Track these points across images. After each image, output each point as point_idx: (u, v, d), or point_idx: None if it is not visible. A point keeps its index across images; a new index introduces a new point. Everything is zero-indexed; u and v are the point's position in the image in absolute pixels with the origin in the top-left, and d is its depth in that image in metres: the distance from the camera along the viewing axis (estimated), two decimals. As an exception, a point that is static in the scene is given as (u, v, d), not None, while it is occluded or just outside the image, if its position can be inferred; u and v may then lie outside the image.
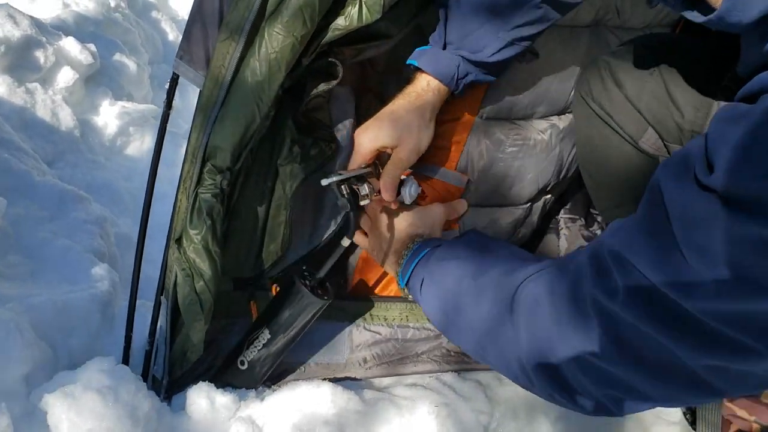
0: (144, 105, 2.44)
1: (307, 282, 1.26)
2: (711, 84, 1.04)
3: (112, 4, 2.83)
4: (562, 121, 1.52)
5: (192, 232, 1.21)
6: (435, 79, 1.25)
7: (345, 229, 1.25)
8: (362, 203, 1.25)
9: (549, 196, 1.64)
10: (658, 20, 1.63)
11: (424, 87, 1.27)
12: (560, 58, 1.44)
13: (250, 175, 1.32)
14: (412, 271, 1.20)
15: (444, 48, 1.26)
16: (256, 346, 1.28)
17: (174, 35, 3.20)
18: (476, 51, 1.24)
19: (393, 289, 1.57)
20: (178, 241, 1.24)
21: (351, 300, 1.49)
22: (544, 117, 1.50)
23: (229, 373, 1.32)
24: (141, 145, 2.31)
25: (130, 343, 1.33)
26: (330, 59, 1.27)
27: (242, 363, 1.30)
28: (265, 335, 1.27)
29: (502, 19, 1.22)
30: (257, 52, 1.17)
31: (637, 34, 1.59)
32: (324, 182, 1.20)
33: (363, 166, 1.28)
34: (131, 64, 2.55)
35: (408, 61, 1.30)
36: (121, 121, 2.29)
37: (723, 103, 1.02)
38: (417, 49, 1.30)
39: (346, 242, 1.24)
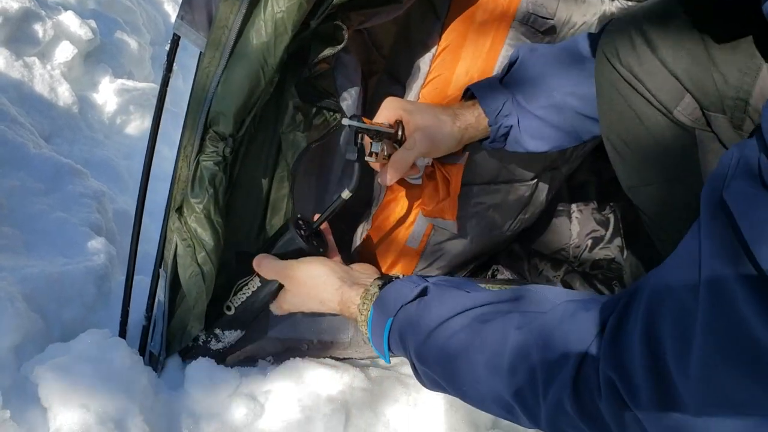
0: (145, 84, 2.39)
1: (302, 232, 1.21)
2: (758, 43, 0.91)
3: (114, -17, 2.78)
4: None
5: (194, 201, 1.17)
6: (480, 108, 1.25)
7: (348, 182, 1.18)
8: (367, 158, 1.20)
9: (556, 172, 1.59)
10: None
11: (470, 105, 1.27)
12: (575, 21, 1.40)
13: (253, 145, 1.27)
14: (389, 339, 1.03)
15: (501, 83, 1.27)
16: (245, 293, 1.23)
17: (176, 17, 3.14)
18: (527, 98, 1.24)
19: (397, 270, 1.53)
20: (179, 210, 1.19)
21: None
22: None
23: (214, 317, 1.26)
24: (141, 124, 2.26)
25: (127, 317, 1.27)
26: (336, 23, 1.22)
27: (228, 308, 1.24)
28: (255, 283, 1.22)
29: (561, 78, 1.22)
30: (263, 11, 1.12)
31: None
32: (345, 122, 1.15)
33: (386, 125, 1.22)
34: (132, 43, 2.50)
35: (467, 87, 1.31)
36: (121, 98, 2.24)
37: None
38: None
39: (346, 194, 1.18)
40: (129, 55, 2.45)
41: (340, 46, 1.25)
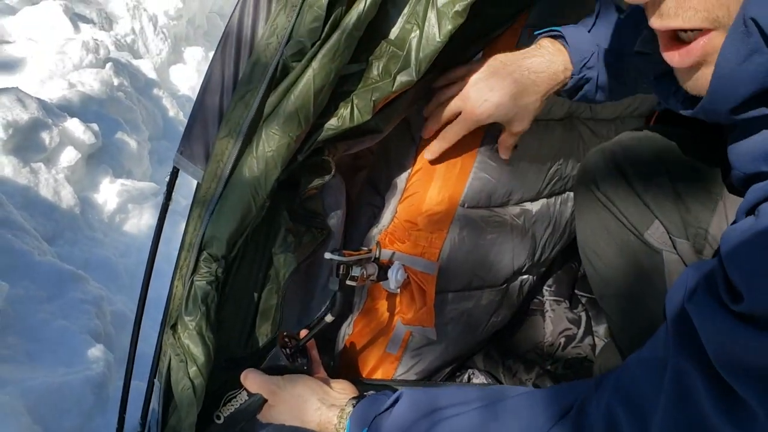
0: (143, 183, 2.52)
1: (287, 350, 1.30)
2: (716, 179, 1.07)
3: (116, 83, 2.92)
4: (534, 206, 1.62)
5: (187, 318, 1.26)
6: (565, 60, 1.23)
7: (330, 307, 1.30)
8: (348, 283, 1.31)
9: (526, 276, 1.70)
10: (629, 112, 1.73)
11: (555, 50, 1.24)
12: (536, 148, 1.53)
13: (244, 262, 1.37)
14: None
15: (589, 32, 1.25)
16: (233, 404, 1.30)
17: (174, 111, 3.28)
18: (619, 45, 1.20)
19: (378, 374, 1.60)
20: (174, 327, 1.28)
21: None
22: (518, 203, 1.59)
23: (204, 423, 1.33)
24: (138, 221, 2.37)
25: (123, 426, 1.35)
26: (323, 157, 1.34)
27: (218, 417, 1.31)
28: (243, 396, 1.30)
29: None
30: (255, 150, 1.24)
31: (609, 126, 1.70)
32: (327, 255, 1.27)
33: (365, 251, 1.35)
34: (132, 142, 2.64)
35: (552, 28, 1.27)
36: (120, 198, 2.37)
37: (729, 198, 1.05)
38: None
39: (329, 318, 1.30)
40: (128, 154, 2.59)
41: (329, 176, 1.36)
